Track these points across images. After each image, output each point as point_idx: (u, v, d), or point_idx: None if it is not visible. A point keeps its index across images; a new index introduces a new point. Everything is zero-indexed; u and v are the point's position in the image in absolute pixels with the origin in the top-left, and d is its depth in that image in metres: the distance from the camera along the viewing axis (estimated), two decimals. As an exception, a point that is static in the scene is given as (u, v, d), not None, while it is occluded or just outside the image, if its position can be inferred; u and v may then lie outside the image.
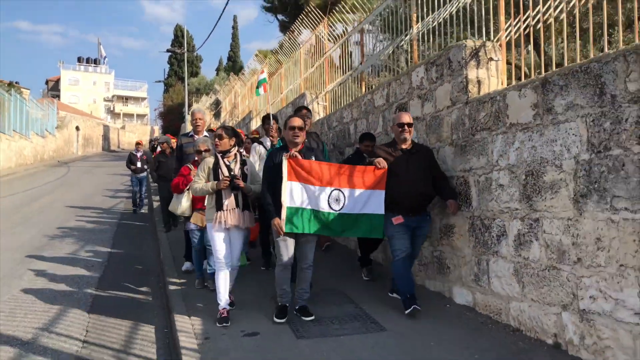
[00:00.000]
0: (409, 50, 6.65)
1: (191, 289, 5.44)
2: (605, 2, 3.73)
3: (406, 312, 4.46)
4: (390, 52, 6.99)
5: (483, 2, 5.23)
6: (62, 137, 34.94)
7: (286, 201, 4.30)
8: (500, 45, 4.91)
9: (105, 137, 47.93)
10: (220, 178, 4.47)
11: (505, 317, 4.28)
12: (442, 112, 5.16)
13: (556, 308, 3.72)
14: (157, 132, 51.91)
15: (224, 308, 4.44)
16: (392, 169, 4.61)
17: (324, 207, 4.46)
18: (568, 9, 4.19)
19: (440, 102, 5.20)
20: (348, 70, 8.87)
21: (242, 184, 4.46)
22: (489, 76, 4.86)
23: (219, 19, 18.87)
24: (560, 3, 4.26)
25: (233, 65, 51.54)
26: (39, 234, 9.09)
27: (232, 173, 4.50)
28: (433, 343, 3.89)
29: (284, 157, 4.34)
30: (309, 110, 5.61)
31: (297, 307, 4.54)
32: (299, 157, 4.38)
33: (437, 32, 5.89)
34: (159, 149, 11.07)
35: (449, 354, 3.70)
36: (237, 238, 4.59)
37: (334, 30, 9.78)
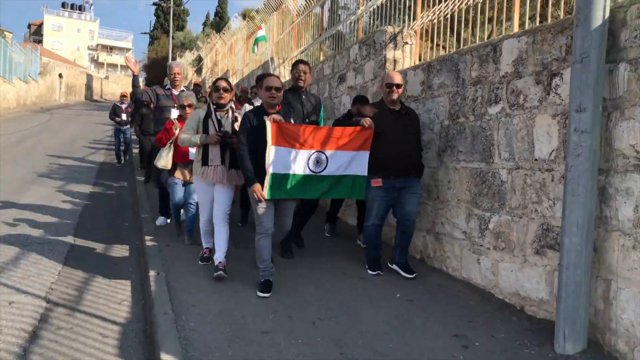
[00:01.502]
0: (353, 29, 7.82)
1: (167, 243, 5.43)
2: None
3: (368, 271, 4.69)
4: (340, 28, 8.14)
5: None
6: (45, 84, 35.19)
7: (270, 167, 4.09)
8: (415, 31, 6.12)
9: (88, 87, 48.00)
10: (210, 132, 4.42)
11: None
12: (368, 83, 6.41)
13: (423, 233, 5.10)
14: (141, 84, 52.10)
15: (207, 247, 4.81)
16: (379, 129, 4.46)
17: (305, 170, 4.31)
18: (471, 3, 5.41)
19: (367, 75, 6.45)
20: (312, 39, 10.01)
21: (235, 141, 4.30)
22: (404, 57, 6.09)
23: None
24: None
25: (220, 21, 51.49)
26: (23, 175, 9.87)
27: (222, 129, 4.44)
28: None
29: (267, 120, 4.07)
30: (308, 64, 5.33)
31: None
32: (282, 120, 4.17)
33: (376, 15, 7.07)
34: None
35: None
36: (222, 194, 4.49)
37: None
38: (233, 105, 4.68)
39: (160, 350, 3.14)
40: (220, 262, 4.43)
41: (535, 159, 3.73)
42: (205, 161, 4.45)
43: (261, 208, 4.13)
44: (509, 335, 3.47)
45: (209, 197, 4.57)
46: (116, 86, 54.95)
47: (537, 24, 4.15)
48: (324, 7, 9.38)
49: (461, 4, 5.11)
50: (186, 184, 5.51)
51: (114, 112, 12.31)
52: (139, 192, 8.45)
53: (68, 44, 61.57)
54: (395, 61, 6.05)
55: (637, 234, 2.97)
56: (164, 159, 5.47)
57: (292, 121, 4.33)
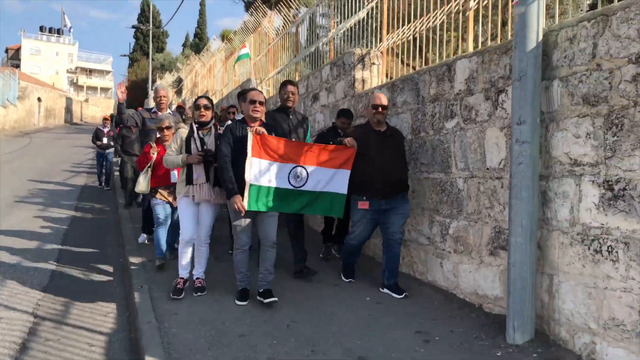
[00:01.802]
0: (327, 50, 8.21)
1: (150, 259, 5.52)
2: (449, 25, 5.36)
3: (342, 277, 4.90)
4: (313, 50, 8.52)
5: (375, 18, 6.81)
6: (24, 108, 35.05)
7: (250, 178, 4.11)
8: (381, 52, 6.50)
9: (68, 110, 47.80)
10: (193, 151, 4.40)
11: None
12: (339, 102, 6.76)
13: (392, 241, 5.41)
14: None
15: (181, 278, 4.54)
16: (364, 151, 4.49)
17: (285, 184, 4.32)
18: (431, 25, 5.81)
19: (338, 94, 6.80)
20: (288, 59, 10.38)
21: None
22: (372, 77, 6.47)
23: None
24: (426, 21, 5.87)
25: (199, 42, 51.88)
26: (4, 198, 9.97)
27: (205, 147, 4.41)
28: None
29: (249, 132, 4.11)
30: (296, 85, 5.31)
31: (260, 291, 4.28)
32: (265, 133, 4.20)
33: (346, 38, 7.46)
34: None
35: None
36: (207, 213, 4.48)
37: (290, 12, 11.18)
38: (215, 124, 4.64)
39: (145, 354, 3.38)
40: (199, 279, 4.60)
41: (487, 168, 4.09)
42: (189, 180, 4.41)
43: (239, 224, 4.20)
44: (466, 330, 3.78)
45: (193, 216, 4.51)
46: (96, 109, 54.88)
47: (489, 43, 4.55)
48: (298, 29, 9.77)
49: (422, 26, 5.51)
50: (169, 202, 5.42)
51: (96, 135, 12.28)
52: (120, 213, 8.56)
53: (46, 67, 61.29)
54: (363, 81, 6.42)
55: (573, 232, 3.32)
56: (142, 184, 5.42)
57: (274, 134, 4.35)
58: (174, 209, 5.44)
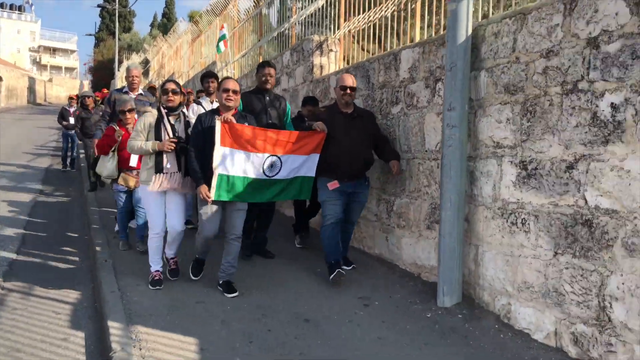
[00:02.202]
0: (289, 35, 8.47)
1: (114, 236, 5.65)
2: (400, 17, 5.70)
3: (330, 277, 4.41)
4: (275, 35, 8.77)
5: (333, 5, 7.09)
6: (-16, 87, 34.27)
7: (217, 168, 4.03)
8: (339, 39, 6.81)
9: (31, 90, 46.66)
10: (163, 138, 4.16)
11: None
12: (299, 87, 7.07)
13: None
14: (87, 87, 50.92)
15: (157, 270, 4.33)
16: (331, 133, 4.45)
17: (258, 174, 4.25)
18: (383, 15, 6.13)
19: (298, 79, 7.11)
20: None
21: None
22: (329, 63, 6.79)
23: None
24: (379, 11, 6.19)
25: (167, 22, 51.09)
26: None
27: (177, 135, 4.21)
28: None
29: (217, 121, 4.00)
30: (273, 66, 5.14)
31: (220, 282, 4.23)
32: (234, 121, 4.08)
33: (307, 23, 7.74)
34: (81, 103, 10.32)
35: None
36: (177, 202, 4.33)
37: None
38: (185, 110, 4.47)
39: (108, 319, 3.67)
40: (174, 260, 4.56)
41: (426, 150, 4.48)
42: (159, 169, 4.16)
43: (205, 213, 4.13)
44: (404, 296, 4.20)
45: (162, 207, 4.31)
46: (61, 89, 53.53)
47: (434, 34, 4.91)
48: (262, 12, 9.99)
49: (375, 16, 5.84)
50: (130, 190, 5.29)
51: (62, 115, 11.93)
52: (86, 195, 8.52)
53: (7, 45, 59.37)
54: (321, 67, 6.74)
55: (495, 207, 3.74)
56: (109, 169, 5.24)
57: (247, 124, 4.24)
58: (134, 194, 5.27)
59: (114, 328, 3.50)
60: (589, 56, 3.03)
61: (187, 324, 3.60)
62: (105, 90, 12.42)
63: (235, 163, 4.14)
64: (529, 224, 3.46)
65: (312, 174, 4.56)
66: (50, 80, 56.58)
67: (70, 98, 12.69)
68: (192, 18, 22.52)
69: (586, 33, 3.06)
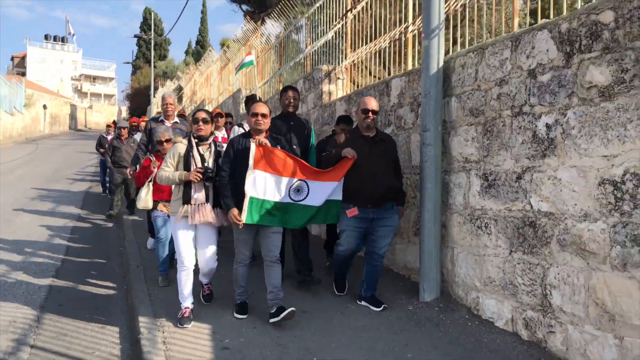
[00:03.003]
0: (304, 64, 9.24)
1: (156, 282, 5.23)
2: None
3: (338, 293, 4.71)
4: (292, 65, 9.56)
5: (342, 37, 7.83)
6: (30, 115, 36.10)
7: (249, 190, 4.00)
8: (346, 68, 7.52)
9: (73, 117, 48.94)
10: (192, 168, 4.10)
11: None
12: (310, 112, 7.79)
13: (348, 229, 6.42)
14: (125, 113, 53.11)
15: (187, 307, 4.16)
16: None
17: (285, 198, 4.18)
18: (381, 47, 6.83)
19: (309, 105, 7.83)
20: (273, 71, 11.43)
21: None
22: (337, 90, 7.50)
23: (185, 4, 20.49)
24: (377, 43, 6.89)
25: (201, 50, 52.80)
26: (19, 197, 11.05)
27: (205, 164, 4.13)
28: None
29: (252, 143, 4.03)
30: (296, 91, 5.20)
31: (273, 310, 4.01)
32: (268, 144, 4.09)
33: (320, 53, 8.48)
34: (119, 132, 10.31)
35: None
36: (207, 236, 4.19)
37: (282, 22, 12.22)
38: (216, 139, 4.43)
39: (138, 310, 4.39)
40: (208, 285, 4.55)
41: (412, 166, 5.10)
42: (187, 200, 4.09)
43: (240, 237, 4.12)
44: (393, 293, 4.78)
45: (191, 241, 4.18)
46: (100, 115, 55.98)
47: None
48: (281, 44, 10.81)
49: (375, 47, 6.53)
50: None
51: (100, 143, 12.32)
52: (123, 221, 8.65)
53: (51, 75, 62.33)
54: (330, 93, 7.45)
55: (465, 214, 4.33)
56: (144, 200, 5.26)
57: (279, 147, 4.22)
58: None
59: (142, 317, 4.20)
60: (529, 85, 3.64)
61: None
62: (145, 118, 12.77)
63: (267, 186, 4.09)
64: (490, 227, 4.04)
65: (340, 197, 4.38)
66: (90, 107, 59.16)
67: (108, 126, 13.37)
68: (223, 45, 23.68)
69: (527, 65, 3.67)
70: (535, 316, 3.62)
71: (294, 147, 4.82)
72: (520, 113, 3.73)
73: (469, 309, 4.28)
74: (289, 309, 3.92)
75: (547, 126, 3.49)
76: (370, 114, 4.40)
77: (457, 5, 4.88)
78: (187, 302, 4.19)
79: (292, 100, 5.06)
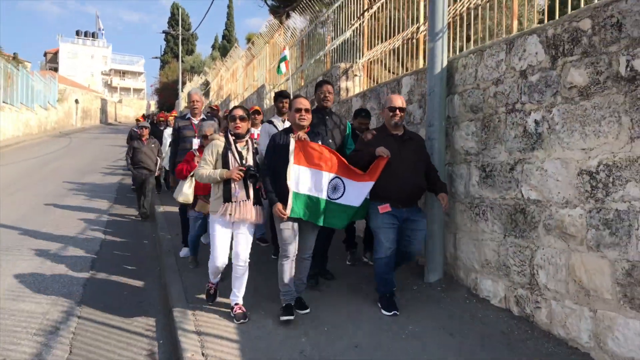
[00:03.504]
0: (324, 61, 9.67)
1: (191, 279, 5.25)
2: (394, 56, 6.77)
3: (385, 312, 4.25)
4: (312, 62, 9.99)
5: (360, 36, 8.23)
6: (63, 110, 37.31)
7: (292, 185, 4.03)
8: (363, 65, 7.92)
9: (103, 111, 50.22)
10: (231, 166, 4.11)
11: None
12: (329, 106, 8.21)
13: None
14: (153, 107, 54.24)
15: (212, 283, 4.38)
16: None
17: (323, 194, 4.17)
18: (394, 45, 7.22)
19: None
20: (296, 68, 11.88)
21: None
22: (354, 86, 7.90)
23: (212, 1, 20.95)
24: (390, 43, 7.27)
25: (228, 44, 53.34)
26: (52, 192, 11.62)
27: (245, 162, 4.13)
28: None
29: (291, 139, 4.05)
30: (331, 84, 5.16)
31: (293, 302, 4.19)
32: (308, 139, 4.08)
33: (340, 50, 8.90)
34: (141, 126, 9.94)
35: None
36: (245, 234, 4.17)
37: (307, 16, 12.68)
38: (252, 135, 4.46)
39: (173, 302, 4.60)
40: (238, 305, 4.21)
41: (420, 158, 5.49)
42: (227, 197, 4.08)
43: (285, 231, 4.07)
44: (403, 276, 5.16)
45: (228, 238, 4.19)
46: (129, 109, 57.30)
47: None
48: (302, 42, 11.25)
49: (390, 46, 6.93)
50: (206, 215, 5.23)
51: (131, 137, 12.14)
52: (156, 216, 8.79)
53: (82, 70, 63.96)
54: (347, 90, 7.86)
55: (466, 202, 4.72)
56: (185, 194, 5.26)
57: (320, 142, 4.20)
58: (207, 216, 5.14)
59: (175, 302, 4.55)
60: (521, 84, 4.01)
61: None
62: (175, 113, 12.91)
63: (308, 181, 4.12)
64: (487, 214, 4.43)
65: (368, 196, 4.33)
66: (120, 101, 60.57)
67: (138, 120, 13.61)
68: (249, 40, 24.20)
69: (519, 66, 4.04)
70: (524, 294, 4.01)
71: (330, 141, 4.72)
72: (513, 110, 4.10)
73: (469, 289, 4.68)
74: (306, 310, 4.21)
75: (536, 122, 3.87)
76: (397, 111, 4.39)
77: (462, 9, 5.25)
78: (214, 280, 4.39)
79: (327, 95, 5.03)
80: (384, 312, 4.25)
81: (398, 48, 6.66)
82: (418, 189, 4.38)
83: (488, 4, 5.08)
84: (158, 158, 9.29)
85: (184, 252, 6.14)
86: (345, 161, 4.29)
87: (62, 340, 4.08)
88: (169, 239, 6.97)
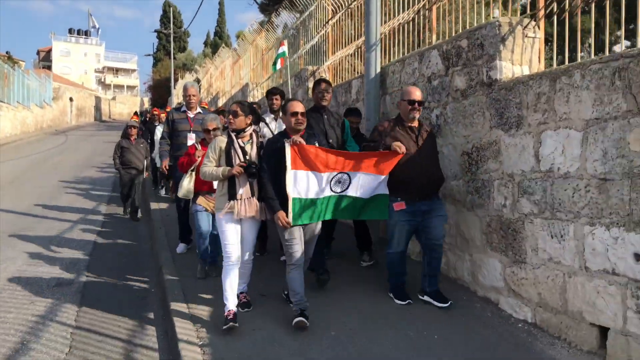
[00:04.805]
0: (298, 62, 10.82)
1: (189, 278, 5.15)
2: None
3: (399, 302, 4.34)
4: (292, 60, 11.15)
5: (325, 42, 9.39)
6: (58, 108, 37.57)
7: (291, 192, 3.94)
8: (328, 68, 9.09)
9: (97, 108, 50.55)
10: (234, 163, 4.02)
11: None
12: (299, 104, 9.39)
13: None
14: (147, 104, 54.90)
15: (230, 310, 3.95)
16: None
17: (326, 192, 4.11)
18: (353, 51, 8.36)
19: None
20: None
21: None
22: (320, 85, 9.04)
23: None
24: (347, 50, 8.43)
25: (219, 40, 53.77)
26: (54, 184, 12.67)
27: (247, 158, 4.05)
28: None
29: (286, 144, 3.92)
30: (329, 83, 5.15)
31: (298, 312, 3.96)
32: (303, 142, 3.97)
33: (312, 53, 10.07)
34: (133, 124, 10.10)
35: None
36: (250, 230, 4.15)
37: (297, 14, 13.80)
38: (258, 129, 4.32)
39: (169, 297, 4.61)
40: (243, 294, 4.30)
41: (365, 147, 6.68)
42: (232, 195, 4.03)
43: (290, 238, 3.96)
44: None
45: (238, 233, 4.09)
46: (123, 106, 57.87)
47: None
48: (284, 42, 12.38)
49: (346, 52, 8.10)
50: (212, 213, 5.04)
51: (125, 134, 12.32)
52: (152, 213, 8.81)
53: (76, 68, 64.25)
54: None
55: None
56: (185, 188, 5.18)
57: (317, 144, 4.12)
58: (214, 217, 4.87)
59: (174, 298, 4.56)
60: (428, 87, 5.20)
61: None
62: (169, 109, 13.62)
63: (308, 185, 4.03)
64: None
65: (387, 191, 4.33)
66: (113, 98, 61.04)
67: (134, 115, 14.31)
68: (239, 37, 25.25)
69: (427, 73, 5.23)
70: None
71: (330, 141, 4.77)
72: (424, 107, 5.29)
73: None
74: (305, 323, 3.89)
75: (437, 116, 5.06)
76: (416, 105, 4.30)
77: (393, 25, 6.43)
78: (230, 304, 3.97)
79: (325, 94, 5.00)
80: (397, 301, 4.36)
81: (352, 55, 7.84)
82: (437, 180, 4.37)
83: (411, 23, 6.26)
84: (145, 160, 9.34)
85: (181, 248, 6.13)
86: (349, 153, 4.34)
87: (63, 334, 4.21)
88: (163, 235, 7.04)
